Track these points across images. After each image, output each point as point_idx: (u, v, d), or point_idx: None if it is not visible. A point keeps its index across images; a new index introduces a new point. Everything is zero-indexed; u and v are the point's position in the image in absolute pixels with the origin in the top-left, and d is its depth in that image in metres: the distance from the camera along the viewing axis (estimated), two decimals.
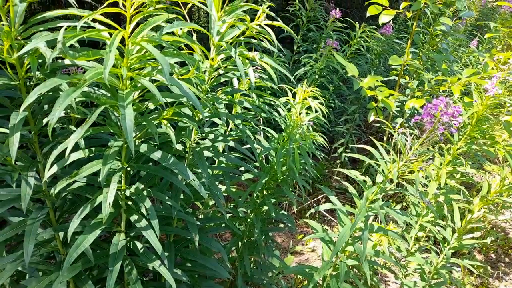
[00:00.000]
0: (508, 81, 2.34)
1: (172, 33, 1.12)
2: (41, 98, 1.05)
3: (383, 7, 2.13)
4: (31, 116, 1.07)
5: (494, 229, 4.22)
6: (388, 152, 1.49)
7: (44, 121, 1.04)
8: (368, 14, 2.14)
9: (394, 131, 1.37)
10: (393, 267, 2.67)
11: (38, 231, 1.22)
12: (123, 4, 0.83)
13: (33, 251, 1.16)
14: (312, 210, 1.68)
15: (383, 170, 1.46)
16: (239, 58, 1.13)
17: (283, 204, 3.40)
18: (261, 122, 2.28)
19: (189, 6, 1.20)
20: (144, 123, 0.99)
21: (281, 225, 2.42)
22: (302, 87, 1.92)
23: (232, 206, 2.07)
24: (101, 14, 0.87)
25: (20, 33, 0.95)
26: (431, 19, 2.54)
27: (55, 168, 0.99)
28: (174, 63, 1.14)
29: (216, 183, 1.73)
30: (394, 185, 1.45)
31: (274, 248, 2.48)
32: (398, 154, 1.42)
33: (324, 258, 1.84)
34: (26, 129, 1.10)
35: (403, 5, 2.15)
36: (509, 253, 3.87)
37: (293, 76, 3.05)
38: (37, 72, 0.94)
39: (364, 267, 1.51)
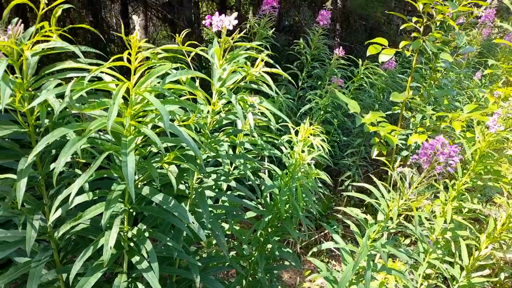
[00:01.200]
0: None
1: (177, 81, 1.19)
2: (49, 143, 1.10)
3: (383, 47, 2.20)
4: (39, 160, 1.12)
5: (508, 264, 4.08)
6: (390, 190, 1.49)
7: (51, 166, 1.09)
8: (368, 54, 2.20)
9: (393, 170, 1.39)
10: None
11: (42, 272, 1.24)
12: (127, 59, 0.90)
13: None
14: (315, 249, 1.66)
15: (383, 209, 1.46)
16: (239, 104, 1.18)
17: (289, 240, 3.35)
18: (265, 160, 2.31)
19: (192, 54, 1.27)
20: (146, 166, 1.03)
21: (286, 262, 2.38)
22: (304, 125, 1.96)
23: (236, 244, 2.06)
24: (109, 68, 0.93)
25: (32, 84, 1.02)
26: (432, 55, 2.60)
27: (59, 212, 1.02)
28: (179, 107, 1.20)
29: (219, 221, 1.74)
30: (395, 224, 1.44)
31: (279, 286, 2.43)
32: (398, 193, 1.43)
33: None
34: (35, 172, 1.15)
35: (402, 44, 2.22)
36: None
37: (299, 112, 3.10)
38: (46, 120, 0.99)
39: None
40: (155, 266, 1.08)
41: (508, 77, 2.30)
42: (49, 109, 1.05)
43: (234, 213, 1.74)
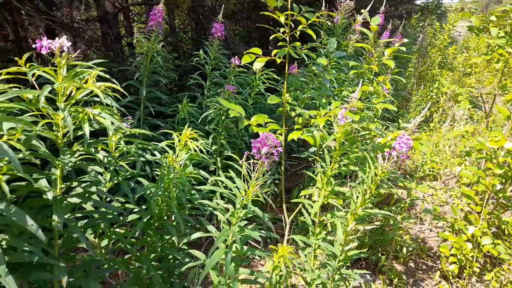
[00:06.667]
0: (374, 109, 2.73)
1: (20, 98, 1.32)
2: None
3: (256, 55, 2.46)
4: None
5: (417, 240, 4.57)
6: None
7: None
8: (242, 62, 2.45)
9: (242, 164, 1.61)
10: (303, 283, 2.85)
11: None
12: None
13: None
14: (185, 240, 1.85)
15: (237, 198, 1.68)
16: (78, 115, 1.33)
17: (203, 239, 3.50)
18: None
19: (36, 74, 1.40)
20: None
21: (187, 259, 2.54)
22: (184, 131, 2.15)
23: (130, 247, 2.18)
24: None
25: None
26: (310, 60, 2.92)
27: None
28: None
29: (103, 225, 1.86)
30: (248, 210, 1.67)
31: (186, 283, 2.58)
32: (246, 182, 1.66)
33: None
34: None
35: (273, 52, 2.50)
36: (426, 260, 4.18)
37: (202, 118, 3.30)
38: None
39: (234, 286, 1.68)
40: (2, 268, 1.19)
41: (368, 76, 2.67)
42: None
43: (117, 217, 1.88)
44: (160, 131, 2.32)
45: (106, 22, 5.46)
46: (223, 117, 3.31)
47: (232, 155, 2.80)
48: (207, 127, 3.36)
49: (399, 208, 3.55)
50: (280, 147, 1.51)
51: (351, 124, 2.17)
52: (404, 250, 4.07)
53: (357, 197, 2.24)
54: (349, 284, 2.70)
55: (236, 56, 3.38)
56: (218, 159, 3.36)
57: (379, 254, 4.02)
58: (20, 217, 1.19)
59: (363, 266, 3.89)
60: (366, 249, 3.70)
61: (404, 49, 2.38)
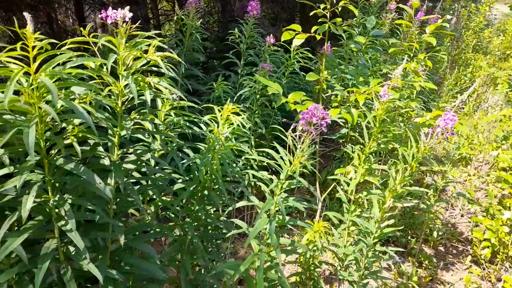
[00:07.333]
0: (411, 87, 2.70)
1: (83, 66, 1.39)
2: None
3: (296, 32, 2.46)
4: None
5: (448, 225, 4.52)
6: (287, 154, 1.76)
7: None
8: (282, 39, 2.46)
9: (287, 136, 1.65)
10: (333, 261, 2.90)
11: None
12: (21, 48, 1.09)
13: None
14: (230, 208, 1.92)
15: (283, 169, 1.73)
16: (139, 83, 1.40)
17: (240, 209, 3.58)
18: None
19: (99, 44, 1.47)
20: (53, 139, 1.23)
21: (225, 231, 2.63)
22: (226, 106, 2.20)
23: (173, 216, 2.28)
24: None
25: None
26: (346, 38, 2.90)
27: None
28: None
29: (149, 191, 1.95)
30: (293, 181, 1.71)
31: (222, 253, 2.68)
32: (292, 154, 1.69)
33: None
34: None
35: (313, 29, 2.49)
36: (457, 245, 4.15)
37: (237, 97, 3.35)
38: None
39: (276, 254, 1.75)
40: (73, 222, 1.29)
41: (409, 53, 2.62)
42: None
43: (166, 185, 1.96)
44: (203, 105, 2.38)
45: (135, 3, 5.52)
46: (257, 96, 3.34)
47: (266, 133, 2.85)
48: (241, 105, 3.40)
49: (432, 190, 3.52)
50: (328, 118, 1.54)
51: (393, 101, 2.16)
52: (435, 234, 4.05)
53: (396, 174, 2.24)
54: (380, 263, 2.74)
55: (271, 35, 3.39)
56: (252, 137, 3.41)
57: (409, 237, 4.02)
58: (89, 176, 1.27)
59: (392, 248, 3.90)
60: (399, 229, 3.70)
61: (447, 25, 2.33)
